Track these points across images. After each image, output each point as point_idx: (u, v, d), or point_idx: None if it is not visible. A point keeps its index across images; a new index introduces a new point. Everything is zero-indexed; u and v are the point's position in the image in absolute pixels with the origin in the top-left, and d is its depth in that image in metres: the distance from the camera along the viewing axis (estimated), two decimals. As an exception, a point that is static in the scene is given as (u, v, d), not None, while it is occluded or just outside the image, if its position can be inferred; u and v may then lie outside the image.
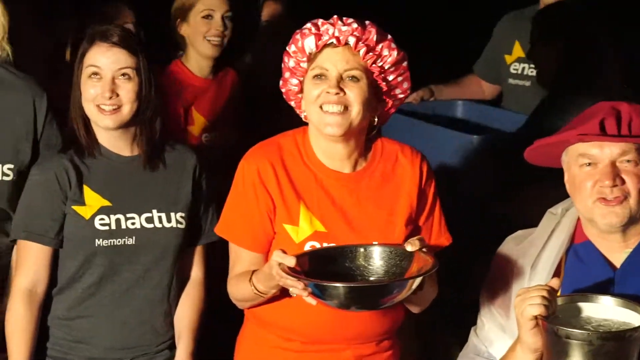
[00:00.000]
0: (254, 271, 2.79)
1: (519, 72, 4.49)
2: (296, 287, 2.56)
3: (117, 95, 2.96)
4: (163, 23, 4.20)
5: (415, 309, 2.91)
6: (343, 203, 2.81)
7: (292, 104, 2.88)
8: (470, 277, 3.37)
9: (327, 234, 2.78)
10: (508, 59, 4.55)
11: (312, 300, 2.59)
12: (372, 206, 2.82)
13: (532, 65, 4.38)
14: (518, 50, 4.50)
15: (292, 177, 2.81)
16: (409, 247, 2.64)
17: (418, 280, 2.56)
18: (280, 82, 2.87)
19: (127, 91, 2.96)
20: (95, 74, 2.96)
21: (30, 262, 3.02)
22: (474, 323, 2.94)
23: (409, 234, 2.83)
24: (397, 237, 2.80)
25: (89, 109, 2.98)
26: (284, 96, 2.90)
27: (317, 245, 2.78)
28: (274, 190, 2.79)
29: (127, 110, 2.98)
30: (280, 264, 2.59)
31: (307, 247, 2.78)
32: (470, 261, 3.40)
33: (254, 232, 2.82)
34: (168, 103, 3.78)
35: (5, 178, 3.18)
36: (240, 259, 2.85)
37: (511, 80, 4.53)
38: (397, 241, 2.78)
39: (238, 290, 2.84)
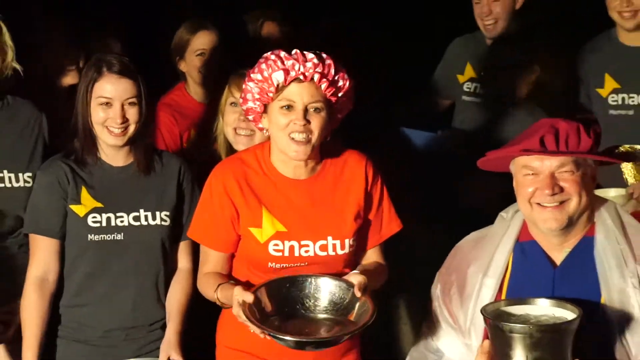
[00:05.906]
0: (220, 284, 3.15)
1: (472, 90, 4.72)
2: (255, 330, 2.92)
3: (127, 119, 3.34)
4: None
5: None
6: (300, 205, 3.20)
7: (250, 117, 3.23)
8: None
9: (287, 233, 3.18)
10: (460, 78, 4.78)
11: (268, 337, 2.93)
12: (326, 206, 3.21)
13: (484, 85, 4.66)
14: (470, 71, 4.75)
15: (254, 187, 3.19)
16: (357, 294, 3.00)
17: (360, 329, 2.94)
18: (240, 100, 3.22)
19: (134, 114, 3.35)
20: (107, 103, 3.33)
21: (41, 253, 3.37)
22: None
23: (358, 227, 3.22)
24: (348, 231, 3.20)
25: (99, 130, 3.36)
26: (244, 111, 3.24)
27: (280, 243, 3.15)
28: (238, 200, 3.18)
29: (132, 129, 3.37)
30: (243, 302, 2.94)
31: (271, 245, 3.16)
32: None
33: (220, 236, 3.22)
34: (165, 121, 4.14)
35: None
36: (209, 257, 3.26)
37: (465, 97, 4.76)
38: (348, 234, 3.19)
39: (204, 290, 3.25)
